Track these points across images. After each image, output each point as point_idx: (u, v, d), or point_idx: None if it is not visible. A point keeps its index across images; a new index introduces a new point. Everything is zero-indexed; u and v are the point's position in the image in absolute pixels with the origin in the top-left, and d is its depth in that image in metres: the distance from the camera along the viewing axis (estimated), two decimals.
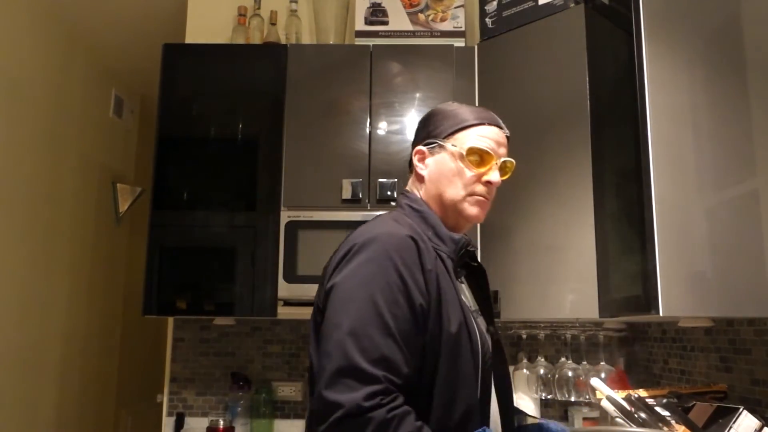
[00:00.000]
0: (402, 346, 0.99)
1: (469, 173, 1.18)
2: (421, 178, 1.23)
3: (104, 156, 3.58)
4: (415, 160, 1.24)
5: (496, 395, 1.16)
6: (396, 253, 1.04)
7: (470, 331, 1.08)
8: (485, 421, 1.08)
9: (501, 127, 1.23)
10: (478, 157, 1.18)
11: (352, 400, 0.93)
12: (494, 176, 1.19)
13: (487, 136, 1.20)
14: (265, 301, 2.11)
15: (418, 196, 1.23)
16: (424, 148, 1.23)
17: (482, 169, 1.19)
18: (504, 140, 1.24)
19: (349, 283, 1.03)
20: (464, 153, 1.18)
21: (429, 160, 1.22)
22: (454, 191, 1.18)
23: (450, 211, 1.20)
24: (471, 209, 1.19)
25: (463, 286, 1.22)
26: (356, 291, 1.02)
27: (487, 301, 1.26)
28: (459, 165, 1.18)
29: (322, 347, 1.02)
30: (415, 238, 1.08)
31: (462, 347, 1.06)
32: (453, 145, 1.19)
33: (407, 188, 1.27)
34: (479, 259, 1.37)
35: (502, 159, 1.22)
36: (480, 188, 1.19)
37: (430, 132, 1.23)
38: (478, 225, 2.11)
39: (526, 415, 1.33)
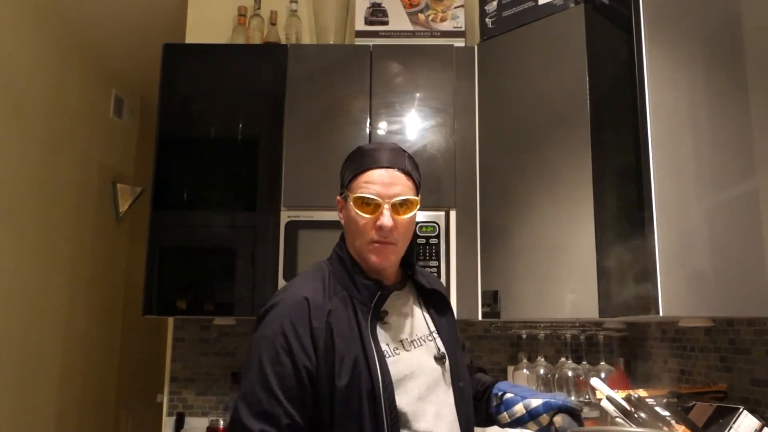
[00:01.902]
0: (282, 401, 1.10)
1: (362, 222, 1.20)
2: (342, 225, 1.28)
3: (104, 156, 3.58)
4: (337, 208, 1.28)
5: (456, 408, 1.24)
6: (288, 317, 1.15)
7: (371, 374, 1.14)
8: None
9: (390, 167, 1.21)
10: (366, 204, 1.20)
11: None
12: (385, 220, 1.18)
13: (373, 181, 1.20)
14: (264, 301, 2.10)
15: (347, 250, 1.26)
16: (339, 198, 1.27)
17: (375, 215, 1.19)
18: (397, 178, 1.21)
19: (251, 350, 1.17)
20: (352, 203, 1.21)
21: (343, 213, 1.26)
22: (359, 240, 1.22)
23: (360, 258, 1.24)
24: (371, 256, 1.22)
25: (400, 316, 1.25)
26: (252, 356, 1.16)
27: (448, 320, 1.32)
28: (355, 213, 1.20)
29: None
30: (308, 298, 1.16)
31: (354, 393, 1.13)
32: (349, 194, 1.22)
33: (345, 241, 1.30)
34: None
35: (395, 200, 1.20)
36: (375, 235, 1.20)
37: (342, 180, 1.27)
38: (478, 225, 2.12)
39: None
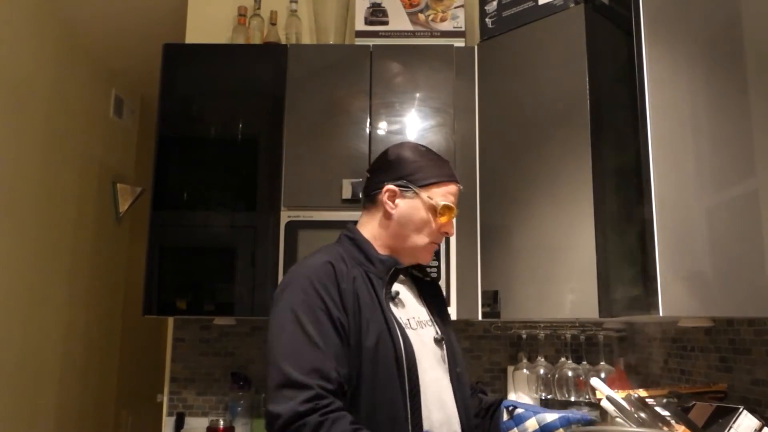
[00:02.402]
0: (329, 355, 1.12)
1: (434, 225, 1.30)
2: (387, 216, 1.30)
3: (104, 156, 3.58)
4: (384, 197, 1.30)
5: (453, 393, 1.28)
6: (315, 277, 1.18)
7: (394, 342, 1.19)
8: (416, 422, 1.17)
9: (459, 184, 1.36)
10: (448, 212, 1.30)
11: (289, 409, 1.06)
12: (452, 230, 1.33)
13: (453, 194, 1.32)
14: (265, 301, 2.11)
15: (360, 233, 1.32)
16: (395, 188, 1.30)
17: (444, 222, 1.31)
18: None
19: (280, 315, 1.16)
20: (438, 208, 1.29)
21: (399, 201, 1.30)
22: (420, 239, 1.30)
23: (406, 251, 1.32)
24: (427, 256, 1.34)
25: (406, 299, 1.32)
26: (285, 319, 1.15)
27: (442, 312, 1.39)
28: (429, 216, 1.29)
29: (266, 372, 1.15)
30: (332, 262, 1.21)
31: (381, 357, 1.17)
32: (429, 197, 1.29)
33: (365, 221, 1.34)
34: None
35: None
36: (439, 238, 1.33)
37: (403, 175, 1.30)
38: (478, 225, 2.12)
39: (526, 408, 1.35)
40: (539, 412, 1.31)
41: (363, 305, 1.19)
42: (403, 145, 1.35)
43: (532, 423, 1.30)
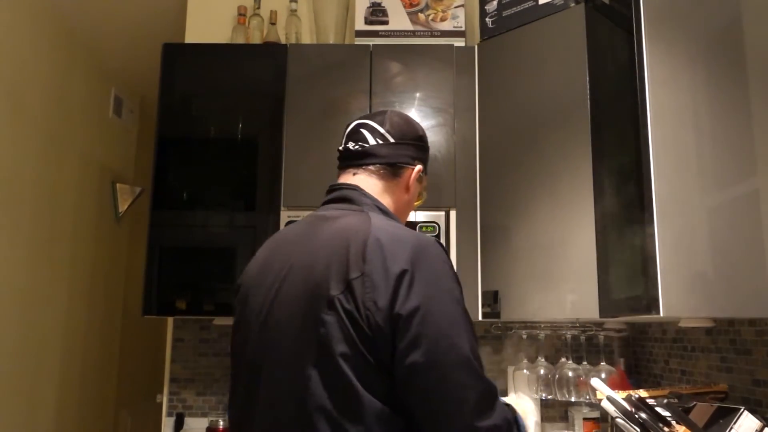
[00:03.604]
0: None
1: (412, 207, 1.29)
2: (407, 192, 1.22)
3: (104, 156, 3.57)
4: (414, 175, 1.22)
5: None
6: (448, 259, 1.05)
7: None
8: None
9: None
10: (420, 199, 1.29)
11: (503, 419, 0.95)
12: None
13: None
14: None
15: (386, 203, 1.20)
16: (421, 170, 1.24)
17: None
18: None
19: (441, 306, 0.97)
20: (419, 190, 1.26)
21: (414, 184, 1.24)
22: (405, 216, 1.26)
23: None
24: None
25: None
26: (454, 311, 0.98)
27: None
28: (414, 199, 1.26)
29: (430, 379, 0.93)
30: (437, 241, 1.09)
31: None
32: (425, 186, 1.29)
33: (373, 194, 1.18)
34: None
35: None
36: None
37: (425, 159, 1.26)
38: (478, 225, 2.12)
39: None
40: None
41: None
42: (415, 122, 1.27)
43: None
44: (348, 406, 0.93)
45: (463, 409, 0.92)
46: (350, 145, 1.20)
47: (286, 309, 1.03)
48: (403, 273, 0.96)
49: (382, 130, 1.19)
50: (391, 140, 1.20)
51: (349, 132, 1.22)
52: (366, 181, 1.18)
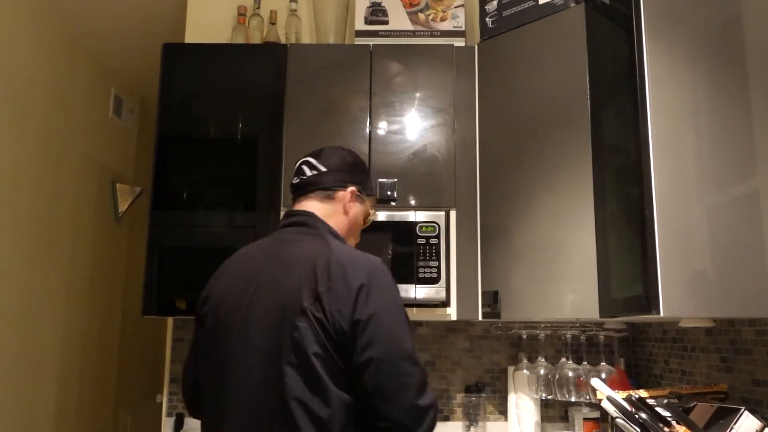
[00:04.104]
0: None
1: (360, 228, 1.48)
2: (346, 214, 1.41)
3: (104, 156, 3.58)
4: (348, 196, 1.41)
5: None
6: (393, 279, 1.26)
7: None
8: None
9: None
10: (368, 221, 1.49)
11: (434, 399, 1.19)
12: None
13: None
14: None
15: (332, 227, 1.40)
16: (356, 190, 1.43)
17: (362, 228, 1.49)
18: None
19: (391, 313, 1.20)
20: (368, 217, 1.48)
21: (353, 204, 1.42)
22: (353, 240, 1.46)
23: None
24: None
25: None
26: (399, 317, 1.21)
27: None
28: (362, 221, 1.46)
29: (382, 370, 1.15)
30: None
31: None
32: (370, 206, 1.48)
33: (315, 213, 1.39)
34: None
35: None
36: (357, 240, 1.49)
37: (362, 182, 1.45)
38: (478, 225, 2.11)
39: None
40: None
41: None
42: (351, 152, 1.48)
43: None
44: (318, 395, 1.15)
45: (408, 391, 1.16)
46: (294, 180, 1.43)
47: (260, 317, 1.23)
48: (361, 287, 1.18)
49: (316, 163, 1.42)
50: (323, 169, 1.42)
51: (294, 170, 1.45)
52: (312, 206, 1.40)
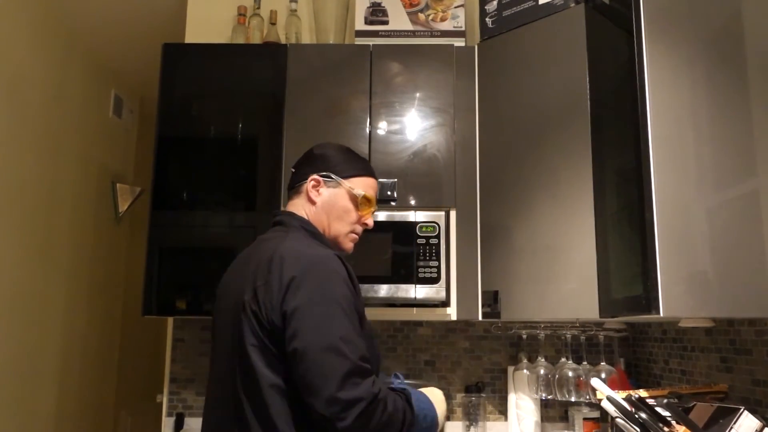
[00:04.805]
0: (365, 342, 1.24)
1: (354, 215, 1.43)
2: (312, 203, 1.42)
3: (104, 156, 3.57)
4: (309, 185, 1.42)
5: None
6: (338, 269, 1.25)
7: (373, 340, 1.36)
8: None
9: (377, 179, 1.51)
10: (367, 204, 1.44)
11: (367, 392, 1.15)
12: (371, 221, 1.47)
13: (374, 188, 1.47)
14: None
15: (308, 219, 1.42)
16: (319, 178, 1.42)
17: (364, 214, 1.45)
18: None
19: (319, 304, 1.20)
20: (358, 197, 1.42)
21: (323, 190, 1.42)
22: (341, 226, 1.43)
23: (329, 240, 1.43)
24: (348, 244, 1.46)
25: None
26: (329, 308, 1.20)
27: None
28: (349, 205, 1.43)
29: (305, 361, 1.17)
30: (338, 256, 1.29)
31: (370, 340, 1.32)
32: (351, 186, 1.42)
33: (292, 210, 1.43)
34: None
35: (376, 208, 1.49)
36: (359, 229, 1.46)
37: (328, 167, 1.43)
38: (478, 225, 2.12)
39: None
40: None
41: (360, 302, 1.31)
42: (326, 144, 1.49)
43: None
44: (251, 382, 1.22)
45: (329, 383, 1.14)
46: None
47: (223, 314, 1.35)
48: (292, 279, 1.21)
49: (293, 169, 1.49)
50: (293, 170, 1.49)
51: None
52: (290, 205, 1.46)
